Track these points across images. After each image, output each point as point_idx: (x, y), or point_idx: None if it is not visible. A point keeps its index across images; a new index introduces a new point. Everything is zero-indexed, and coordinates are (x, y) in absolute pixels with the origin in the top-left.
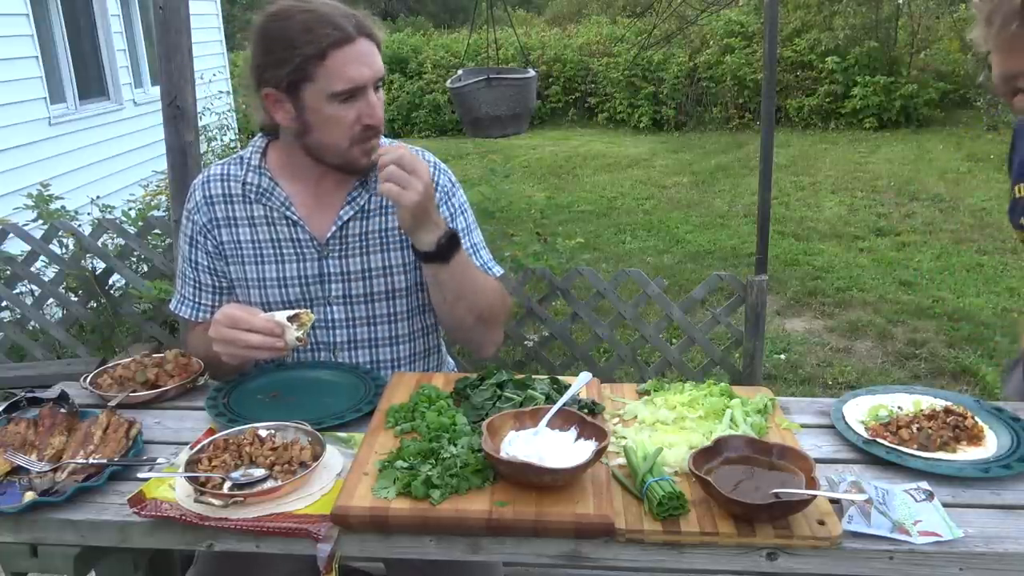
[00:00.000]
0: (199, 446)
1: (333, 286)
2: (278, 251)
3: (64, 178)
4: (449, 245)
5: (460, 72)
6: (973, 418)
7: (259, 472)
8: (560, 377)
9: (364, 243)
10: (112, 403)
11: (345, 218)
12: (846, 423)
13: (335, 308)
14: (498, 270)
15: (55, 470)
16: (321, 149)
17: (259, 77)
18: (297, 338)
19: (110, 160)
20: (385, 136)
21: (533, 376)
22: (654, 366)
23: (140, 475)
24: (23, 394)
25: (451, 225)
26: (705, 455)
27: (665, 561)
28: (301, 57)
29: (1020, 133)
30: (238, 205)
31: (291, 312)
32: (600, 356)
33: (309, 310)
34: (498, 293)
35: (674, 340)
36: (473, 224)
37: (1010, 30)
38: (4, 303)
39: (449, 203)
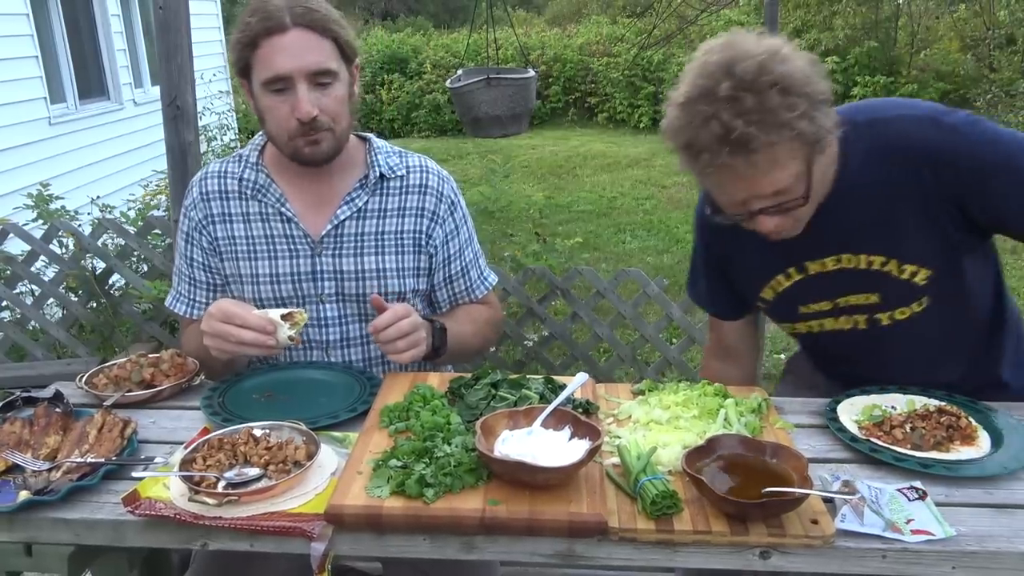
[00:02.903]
0: (194, 445)
1: (326, 284)
2: (272, 247)
3: (64, 178)
4: (442, 338)
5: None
6: (966, 418)
7: (253, 471)
8: (554, 377)
9: (359, 244)
10: (107, 403)
11: (342, 217)
12: (840, 423)
13: (328, 306)
14: (492, 280)
15: (51, 469)
16: (273, 139)
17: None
18: (290, 337)
19: (110, 160)
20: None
21: (528, 376)
22: (654, 366)
23: (135, 474)
24: (19, 393)
25: (455, 236)
26: (698, 454)
27: (658, 560)
28: (240, 46)
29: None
30: (234, 201)
31: (285, 311)
32: (600, 356)
33: (303, 309)
34: (488, 326)
35: (674, 340)
36: (474, 233)
37: (720, 159)
38: (4, 303)
39: (454, 215)
